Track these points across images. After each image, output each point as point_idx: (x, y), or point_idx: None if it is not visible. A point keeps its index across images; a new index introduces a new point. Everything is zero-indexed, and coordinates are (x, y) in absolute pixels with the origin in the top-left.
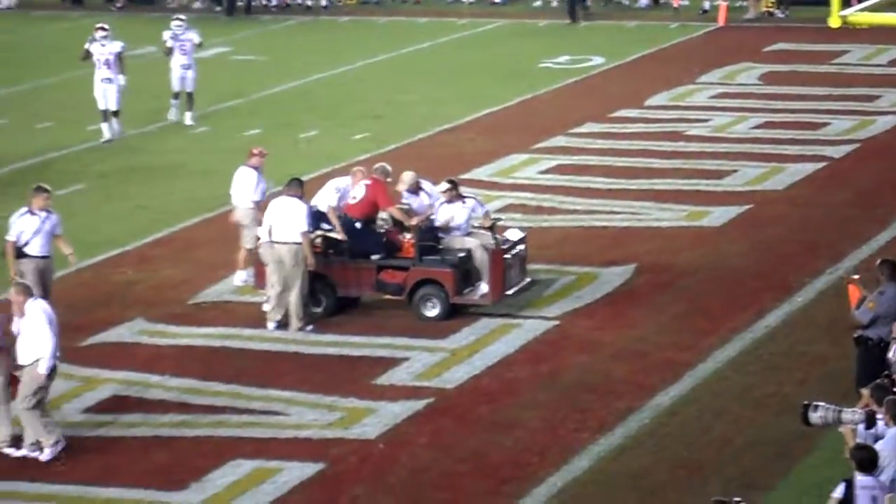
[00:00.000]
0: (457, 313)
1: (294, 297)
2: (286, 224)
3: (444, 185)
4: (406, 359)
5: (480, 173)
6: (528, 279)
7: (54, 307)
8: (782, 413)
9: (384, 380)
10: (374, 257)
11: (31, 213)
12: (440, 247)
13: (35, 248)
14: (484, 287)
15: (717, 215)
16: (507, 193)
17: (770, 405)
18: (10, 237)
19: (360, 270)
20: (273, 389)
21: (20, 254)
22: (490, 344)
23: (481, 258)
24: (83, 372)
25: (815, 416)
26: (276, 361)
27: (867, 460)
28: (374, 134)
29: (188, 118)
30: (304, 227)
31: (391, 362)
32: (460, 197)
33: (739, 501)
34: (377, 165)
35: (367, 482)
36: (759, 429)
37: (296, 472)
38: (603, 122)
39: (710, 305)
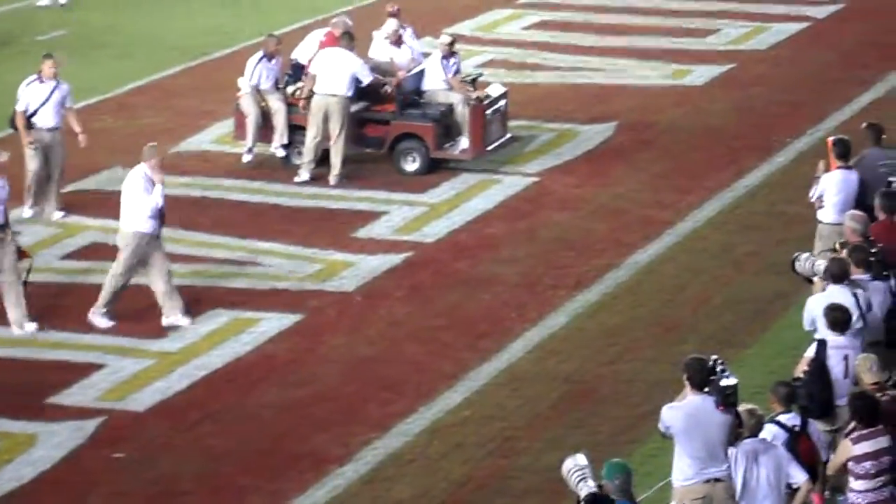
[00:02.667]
0: (436, 168)
1: (338, 149)
2: (337, 76)
3: (446, 39)
4: (385, 213)
5: (464, 28)
6: (508, 135)
7: (62, 181)
8: (761, 272)
9: (363, 233)
10: (353, 108)
11: (40, 80)
12: (421, 101)
13: (43, 118)
14: (464, 142)
15: (700, 74)
16: (489, 48)
17: (748, 264)
18: (20, 107)
19: None
20: (252, 240)
21: (30, 125)
22: (469, 199)
23: (462, 113)
24: (63, 218)
25: (798, 265)
26: (256, 212)
27: (840, 320)
28: None
29: None
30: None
31: (370, 216)
32: (452, 54)
33: (716, 359)
34: (336, 19)
35: (344, 334)
36: (736, 288)
37: (274, 322)
38: None
39: (690, 164)
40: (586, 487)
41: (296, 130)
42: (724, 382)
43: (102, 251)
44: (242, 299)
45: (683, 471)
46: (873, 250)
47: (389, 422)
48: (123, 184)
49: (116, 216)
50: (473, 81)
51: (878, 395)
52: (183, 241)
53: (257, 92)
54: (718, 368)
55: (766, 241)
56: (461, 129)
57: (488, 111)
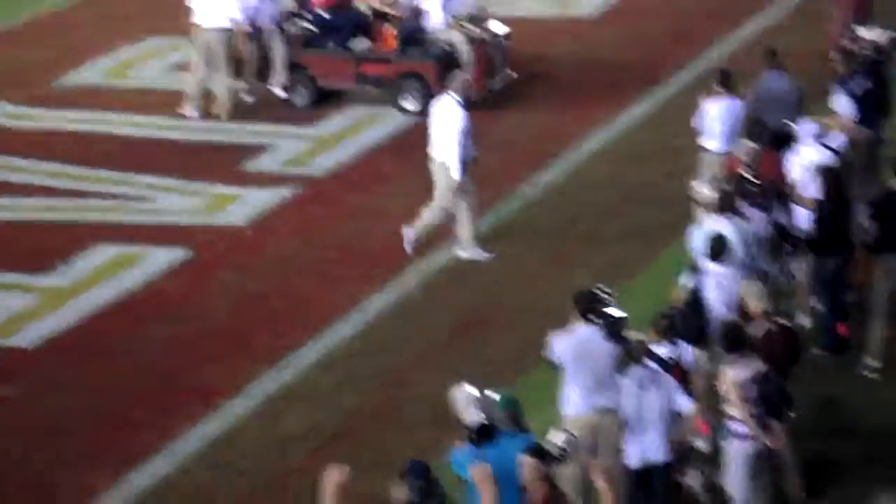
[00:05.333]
0: (325, 100)
1: (222, 82)
2: (214, 8)
3: None
4: (274, 146)
5: None
6: (509, 72)
7: None
8: (649, 204)
9: (252, 166)
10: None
11: None
12: (423, 40)
13: None
14: None
15: (592, 5)
16: None
17: (638, 196)
18: None
19: (341, 62)
20: (139, 175)
21: None
22: (359, 132)
23: (464, 52)
24: None
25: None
26: (142, 147)
27: (718, 250)
28: None
29: None
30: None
31: (259, 149)
32: None
33: (604, 290)
34: None
35: (234, 268)
36: (625, 219)
37: (162, 257)
38: None
39: (579, 96)
40: (474, 417)
41: (295, 70)
42: (611, 313)
43: None
44: (130, 234)
45: (572, 400)
46: (755, 181)
47: (280, 355)
48: None
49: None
50: (473, 20)
51: (765, 323)
52: (69, 175)
53: (255, 30)
54: (606, 299)
55: (653, 173)
56: (463, 67)
57: (490, 49)
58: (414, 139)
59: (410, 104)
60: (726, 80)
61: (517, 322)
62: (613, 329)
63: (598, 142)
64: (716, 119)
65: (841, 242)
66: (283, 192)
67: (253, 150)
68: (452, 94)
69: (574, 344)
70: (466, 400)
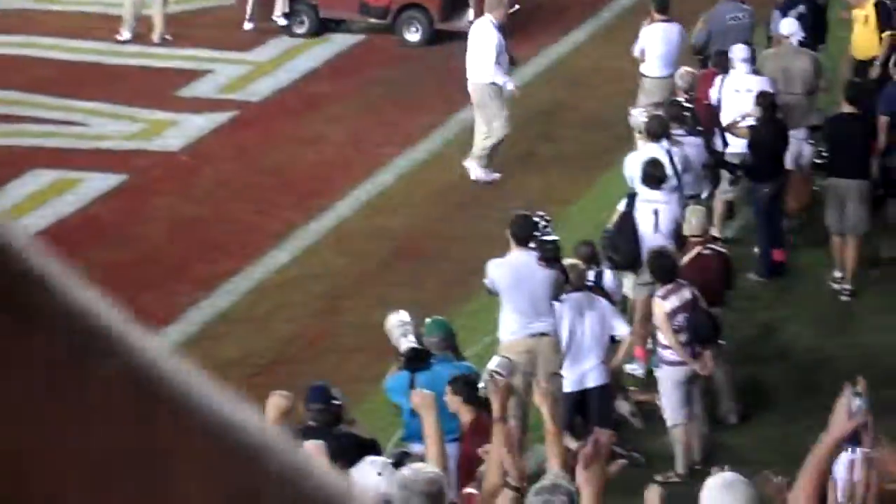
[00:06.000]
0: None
1: (158, 6)
2: None
3: None
4: (210, 71)
5: None
6: (516, 6)
7: None
8: (587, 129)
9: (187, 92)
10: None
11: None
12: None
13: None
14: (471, 14)
15: None
16: None
17: (576, 121)
18: None
19: None
20: (73, 100)
21: None
22: (295, 57)
23: None
24: None
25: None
26: (76, 71)
27: (651, 175)
28: None
29: None
30: None
31: (195, 74)
32: None
33: (540, 215)
34: None
35: (170, 194)
36: (562, 143)
37: (98, 182)
38: None
39: (525, 22)
40: (407, 343)
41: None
42: (546, 238)
43: None
44: (65, 159)
45: (509, 326)
46: (689, 105)
47: (216, 281)
48: None
49: None
50: None
51: (700, 247)
52: (3, 100)
53: None
54: (542, 224)
55: (591, 97)
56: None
57: None
58: (351, 64)
59: (413, 36)
60: (664, 6)
61: (453, 249)
62: (549, 254)
63: (536, 66)
64: (654, 44)
65: (776, 168)
66: (219, 118)
67: (189, 76)
68: (491, 17)
69: (510, 269)
70: (400, 326)
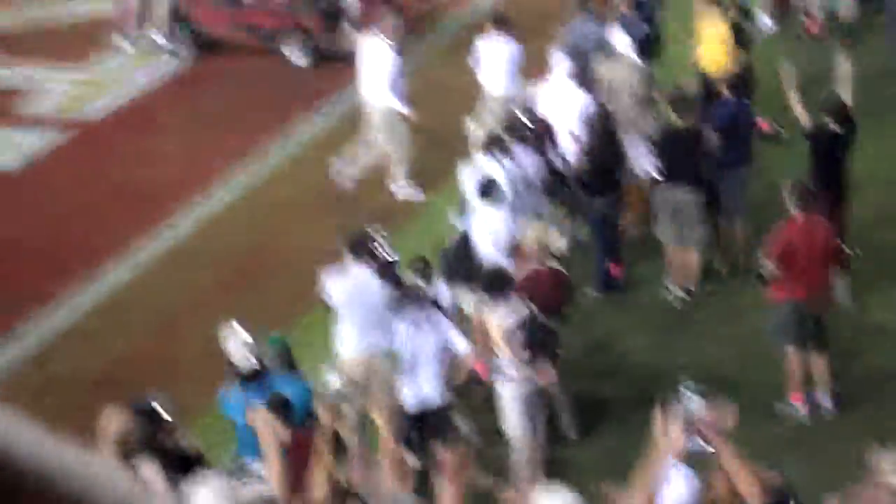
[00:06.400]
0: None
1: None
2: None
3: None
4: (47, 88)
5: None
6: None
7: None
8: (425, 145)
9: (24, 109)
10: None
11: None
12: None
13: None
14: (353, 34)
15: None
16: None
17: (414, 137)
18: None
19: (226, 12)
20: None
21: None
22: (132, 75)
23: (353, 6)
24: None
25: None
26: None
27: (487, 191)
28: None
29: None
30: None
31: (31, 92)
32: None
33: (380, 230)
34: None
35: (5, 211)
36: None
37: None
38: None
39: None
40: (243, 358)
41: (180, 19)
42: (384, 254)
43: None
44: None
45: (346, 340)
46: (528, 121)
47: (50, 299)
48: None
49: None
50: None
51: (537, 263)
52: None
53: None
54: (379, 240)
55: (431, 114)
56: (350, 22)
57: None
58: (188, 82)
59: (295, 56)
60: (500, 20)
61: (291, 265)
62: (386, 270)
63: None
64: (490, 59)
65: (610, 182)
66: (55, 136)
67: (25, 93)
68: (387, 40)
69: (347, 285)
70: (236, 342)
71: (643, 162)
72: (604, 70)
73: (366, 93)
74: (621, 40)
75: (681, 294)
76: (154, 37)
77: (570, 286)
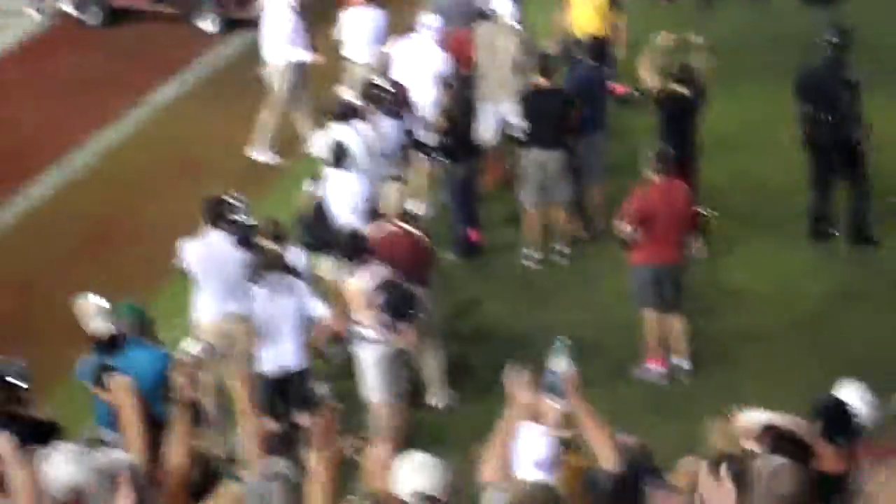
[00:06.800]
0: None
1: None
2: None
3: None
4: None
5: None
6: None
7: None
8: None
9: None
10: None
11: None
12: None
13: None
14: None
15: None
16: None
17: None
18: None
19: None
20: None
21: None
22: None
23: None
24: None
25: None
26: None
27: (339, 156)
28: None
29: None
30: None
31: None
32: None
33: (237, 197)
34: None
35: None
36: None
37: None
38: None
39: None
40: (100, 327)
41: None
42: (241, 220)
43: None
44: None
45: (204, 307)
46: (386, 86)
47: None
48: None
49: None
50: None
51: (395, 227)
52: None
53: None
54: (236, 206)
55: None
56: None
57: None
58: (44, 48)
59: (207, 25)
60: None
61: (148, 232)
62: (244, 236)
63: (231, 51)
64: (353, 28)
65: (469, 148)
66: None
67: None
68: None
69: (204, 251)
70: (93, 310)
71: (511, 124)
72: (482, 33)
73: (268, 53)
74: (498, 3)
75: (538, 256)
76: (61, 4)
77: (430, 250)
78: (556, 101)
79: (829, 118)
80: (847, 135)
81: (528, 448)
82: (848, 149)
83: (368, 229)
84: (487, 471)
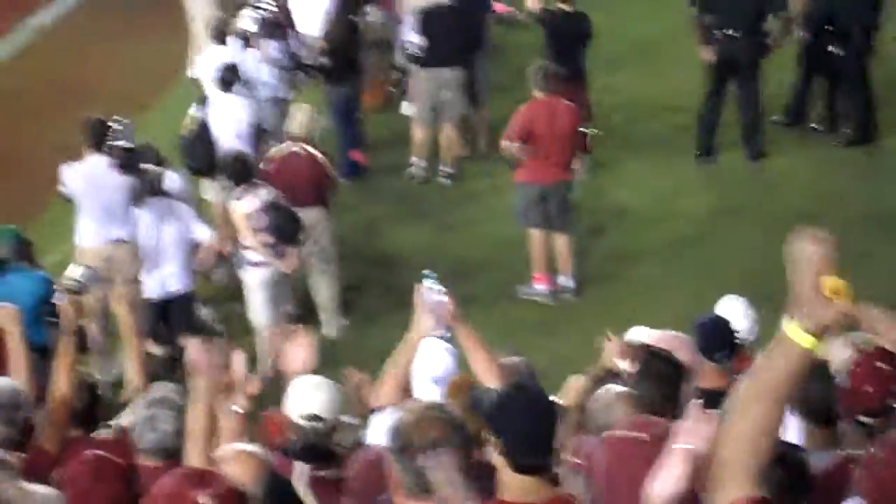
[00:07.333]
0: None
1: None
2: None
3: None
4: None
5: None
6: None
7: None
8: (173, 28)
9: None
10: None
11: None
12: None
13: None
14: None
15: None
16: None
17: (152, 24)
18: None
19: None
20: None
21: None
22: None
23: None
24: None
25: None
26: None
27: (223, 79)
28: None
29: None
30: None
31: None
32: None
33: (118, 119)
34: None
35: None
36: (145, 47)
37: None
38: None
39: None
40: None
41: None
42: (121, 143)
43: None
44: None
45: (85, 232)
46: (274, 9)
47: None
48: None
49: None
50: None
51: (295, 146)
52: None
53: None
54: (117, 129)
55: None
56: None
57: None
58: None
59: None
60: None
61: (31, 158)
62: (124, 160)
63: None
64: None
65: (351, 69)
66: None
67: None
68: None
69: (84, 175)
70: None
71: (408, 41)
72: None
73: None
74: None
75: (425, 165)
76: None
77: (329, 171)
78: (455, 18)
79: (734, 31)
80: (752, 49)
81: (427, 364)
82: (751, 63)
83: (253, 152)
84: (384, 391)
